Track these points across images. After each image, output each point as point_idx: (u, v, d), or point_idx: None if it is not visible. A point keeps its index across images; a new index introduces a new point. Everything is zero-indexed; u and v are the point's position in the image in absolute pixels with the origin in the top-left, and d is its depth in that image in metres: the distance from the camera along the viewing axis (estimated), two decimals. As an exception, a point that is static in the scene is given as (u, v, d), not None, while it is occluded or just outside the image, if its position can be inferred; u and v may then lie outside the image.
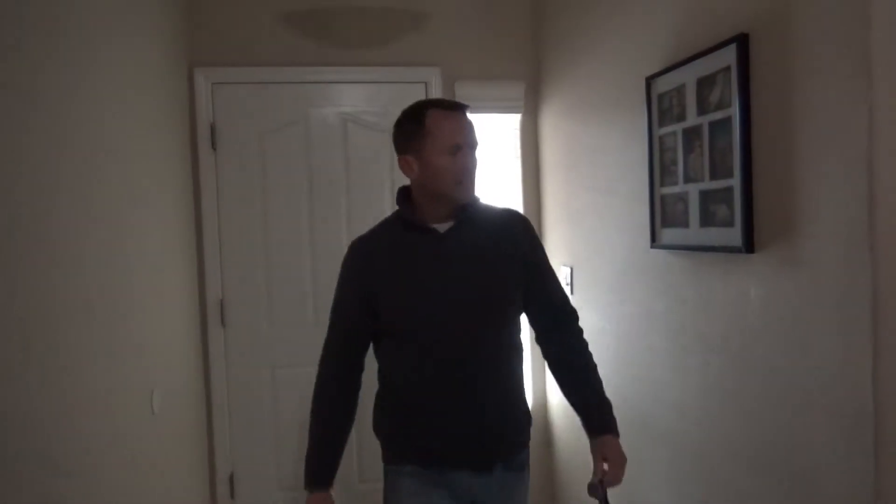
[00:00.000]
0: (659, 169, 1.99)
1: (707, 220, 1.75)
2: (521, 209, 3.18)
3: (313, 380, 1.73)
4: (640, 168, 2.12)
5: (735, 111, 1.60)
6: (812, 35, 1.39)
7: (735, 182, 1.61)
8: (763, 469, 1.61)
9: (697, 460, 1.91)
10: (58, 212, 1.66)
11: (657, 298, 2.09)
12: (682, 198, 1.86)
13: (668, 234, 1.96)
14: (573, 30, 2.76)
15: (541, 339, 1.80)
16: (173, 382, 2.57)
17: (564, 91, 2.90)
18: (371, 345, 1.74)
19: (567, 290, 2.83)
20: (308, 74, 3.07)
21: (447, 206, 1.64)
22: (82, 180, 1.81)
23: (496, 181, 3.27)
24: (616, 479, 1.61)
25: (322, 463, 1.69)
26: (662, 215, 1.99)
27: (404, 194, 1.71)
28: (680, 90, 1.85)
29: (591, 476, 1.62)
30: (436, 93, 3.09)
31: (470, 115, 1.66)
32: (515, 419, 1.71)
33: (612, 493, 1.62)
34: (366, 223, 1.76)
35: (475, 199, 1.67)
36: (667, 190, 1.95)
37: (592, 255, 2.63)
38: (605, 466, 1.61)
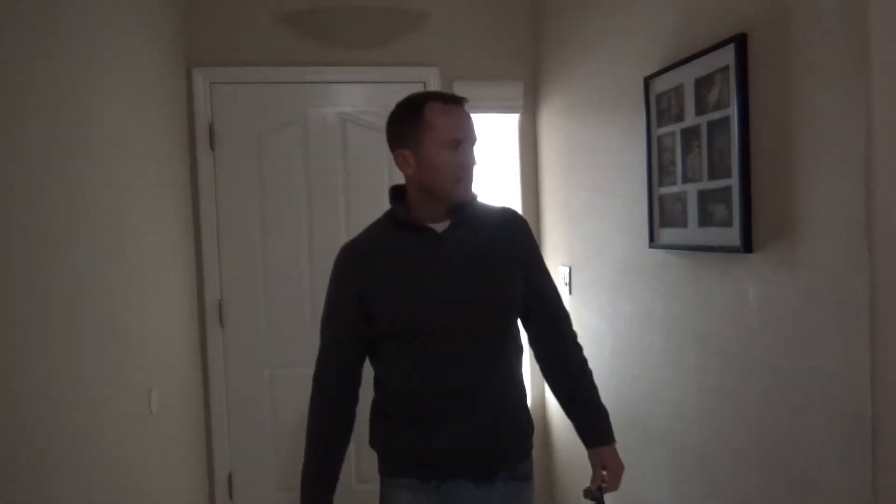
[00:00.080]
0: (657, 169, 1.99)
1: (705, 219, 1.75)
2: (519, 209, 3.18)
3: (312, 380, 1.67)
4: (638, 168, 2.12)
5: (733, 111, 1.60)
6: (810, 35, 1.39)
7: (733, 182, 1.61)
8: (762, 468, 1.61)
9: (697, 460, 1.90)
10: (55, 212, 1.66)
11: (656, 298, 2.09)
12: (681, 198, 1.86)
13: (667, 234, 1.96)
14: (572, 30, 2.76)
15: (534, 342, 1.75)
16: (171, 383, 2.56)
17: (563, 91, 2.90)
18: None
19: (565, 290, 2.83)
20: (307, 74, 3.07)
21: (444, 205, 1.59)
22: (80, 180, 1.81)
23: (495, 181, 3.27)
24: (615, 486, 1.64)
25: (320, 486, 1.63)
26: (661, 215, 1.99)
27: (397, 193, 1.67)
28: (678, 90, 1.85)
29: (588, 481, 1.66)
30: (434, 93, 3.08)
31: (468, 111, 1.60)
32: (517, 422, 1.65)
33: (608, 493, 1.64)
34: (364, 224, 1.74)
35: (473, 198, 1.62)
36: (665, 190, 1.95)
37: (591, 255, 2.63)
38: (604, 473, 1.64)
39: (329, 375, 1.65)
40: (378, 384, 1.67)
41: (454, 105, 1.57)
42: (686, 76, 1.80)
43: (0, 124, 1.43)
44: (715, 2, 1.72)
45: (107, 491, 1.88)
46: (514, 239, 1.66)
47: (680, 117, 1.85)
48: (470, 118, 1.59)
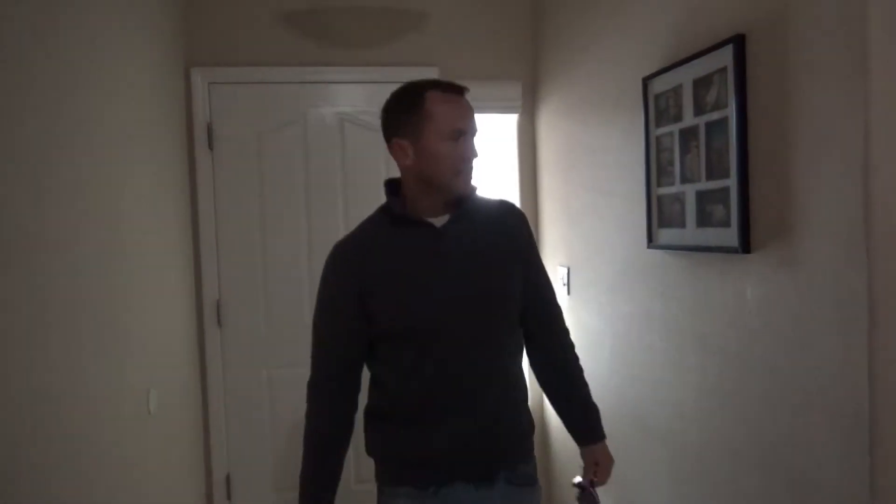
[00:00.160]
0: (656, 169, 2.00)
1: (704, 220, 1.75)
2: (518, 209, 3.17)
3: (307, 388, 1.61)
4: (637, 168, 2.12)
5: (731, 112, 1.61)
6: (809, 35, 1.39)
7: (731, 182, 1.62)
8: (762, 468, 1.61)
9: (696, 460, 1.91)
10: (54, 212, 1.66)
11: (654, 298, 2.09)
12: (679, 198, 1.86)
13: (665, 235, 1.96)
14: (571, 30, 2.76)
15: (528, 339, 1.71)
16: (170, 383, 2.56)
17: (562, 91, 2.90)
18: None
19: (564, 290, 2.84)
20: (306, 74, 3.07)
21: (442, 198, 1.54)
22: (79, 180, 1.81)
23: (494, 181, 3.27)
24: (605, 480, 1.71)
25: (320, 486, 1.58)
26: (659, 215, 1.99)
27: (393, 187, 1.61)
28: (677, 90, 1.85)
29: (578, 475, 1.73)
30: (434, 93, 3.08)
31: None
32: (517, 422, 1.63)
33: (609, 494, 1.68)
34: (363, 223, 1.74)
35: (472, 191, 1.56)
36: (663, 190, 1.95)
37: (590, 256, 2.63)
38: (595, 467, 1.71)
39: (327, 380, 1.58)
40: (375, 385, 1.63)
41: (456, 94, 1.51)
42: (684, 76, 1.81)
43: (0, 124, 1.43)
44: (713, 2, 1.72)
45: (106, 491, 1.88)
46: (512, 233, 1.63)
47: (678, 117, 1.85)
48: (471, 108, 1.54)
